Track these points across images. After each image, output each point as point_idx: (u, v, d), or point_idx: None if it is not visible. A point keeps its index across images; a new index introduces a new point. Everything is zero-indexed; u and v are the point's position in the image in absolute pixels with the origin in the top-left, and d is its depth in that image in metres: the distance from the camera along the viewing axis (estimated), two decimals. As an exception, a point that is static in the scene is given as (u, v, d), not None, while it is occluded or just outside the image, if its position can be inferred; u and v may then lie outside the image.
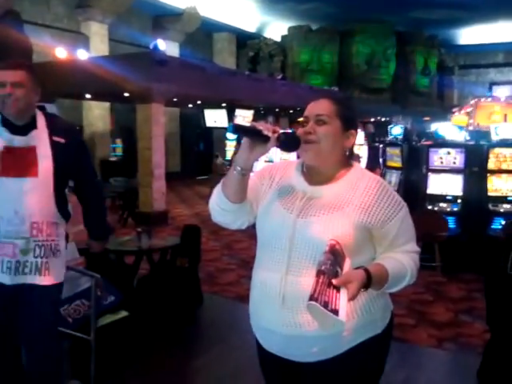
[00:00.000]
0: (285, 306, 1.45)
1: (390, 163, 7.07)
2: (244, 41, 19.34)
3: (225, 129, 13.82)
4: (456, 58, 21.56)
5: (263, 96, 12.71)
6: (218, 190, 1.57)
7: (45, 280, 2.20)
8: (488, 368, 3.06)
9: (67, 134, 2.30)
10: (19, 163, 2.16)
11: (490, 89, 19.21)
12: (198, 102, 13.51)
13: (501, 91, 16.98)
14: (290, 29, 19.26)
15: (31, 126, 2.22)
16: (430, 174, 6.28)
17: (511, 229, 5.62)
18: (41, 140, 2.21)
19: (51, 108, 3.37)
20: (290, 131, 1.50)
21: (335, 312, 1.17)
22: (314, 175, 1.54)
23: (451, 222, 6.00)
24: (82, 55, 10.51)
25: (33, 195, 2.16)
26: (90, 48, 13.23)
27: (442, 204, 6.15)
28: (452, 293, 5.05)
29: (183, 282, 4.30)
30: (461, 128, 6.82)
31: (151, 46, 9.69)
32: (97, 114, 13.66)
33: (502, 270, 4.21)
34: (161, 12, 15.93)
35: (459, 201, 6.09)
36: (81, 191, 2.48)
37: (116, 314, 3.07)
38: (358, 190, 1.49)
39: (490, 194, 6.00)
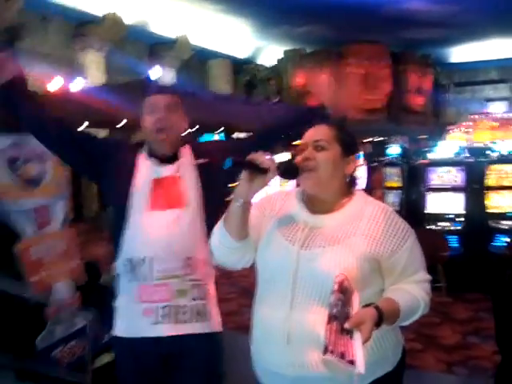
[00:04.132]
0: (290, 346, 1.36)
1: (389, 183, 7.03)
2: (239, 66, 19.49)
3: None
4: (450, 75, 21.70)
5: (259, 119, 12.72)
6: (219, 229, 1.50)
7: (206, 327, 1.94)
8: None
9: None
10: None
11: (486, 105, 19.30)
12: (195, 128, 13.53)
13: (496, 107, 17.06)
14: (285, 52, 19.45)
15: None
16: (430, 192, 6.25)
17: (515, 246, 5.55)
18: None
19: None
20: (288, 159, 1.46)
21: (352, 363, 1.11)
22: (316, 204, 1.48)
23: (453, 241, 5.94)
24: (79, 84, 10.57)
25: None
26: (87, 76, 13.31)
27: (442, 223, 6.09)
28: (458, 314, 4.95)
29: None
30: (461, 149, 6.78)
31: (145, 75, 9.76)
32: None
33: (510, 288, 4.12)
34: (156, 40, 16.10)
35: (461, 219, 6.04)
36: None
37: (112, 354, 2.96)
38: (362, 219, 1.43)
39: (490, 210, 5.96)
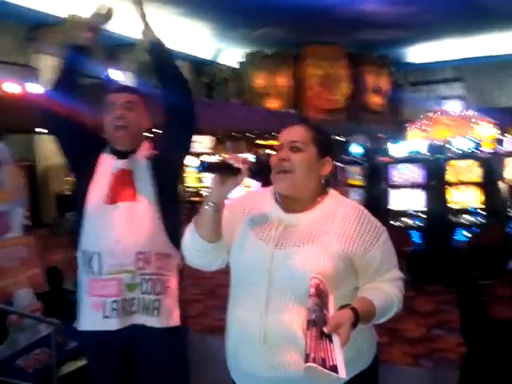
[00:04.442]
0: (267, 347, 1.34)
1: (351, 181, 7.12)
2: (199, 68, 19.42)
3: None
4: (406, 75, 22.22)
5: (221, 121, 12.71)
6: (190, 232, 1.46)
7: (155, 321, 1.91)
8: (467, 382, 3.02)
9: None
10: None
11: (441, 103, 19.82)
12: (155, 131, 13.38)
13: (451, 105, 17.52)
14: (246, 55, 19.49)
15: None
16: (391, 190, 6.36)
17: (476, 240, 5.71)
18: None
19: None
20: (259, 159, 1.43)
21: (334, 368, 1.11)
22: (290, 203, 1.46)
23: (416, 237, 6.06)
24: (32, 88, 10.29)
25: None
26: (41, 81, 12.96)
27: (404, 219, 6.21)
28: (422, 307, 5.04)
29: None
30: (421, 146, 6.93)
31: (103, 76, 9.58)
32: (50, 148, 13.30)
33: (473, 280, 4.23)
34: (114, 42, 15.84)
35: (422, 215, 6.17)
36: None
37: (79, 361, 2.87)
38: (336, 217, 1.42)
39: (450, 206, 6.11)
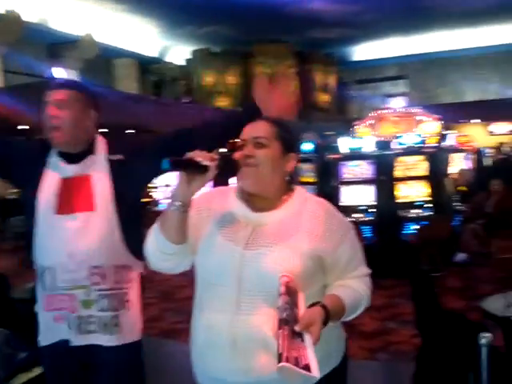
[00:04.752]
0: (236, 351, 1.31)
1: (304, 179, 7.18)
2: (147, 66, 19.09)
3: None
4: (353, 73, 22.67)
5: (170, 120, 12.54)
6: (155, 234, 1.40)
7: (114, 339, 1.80)
8: (423, 373, 3.09)
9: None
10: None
11: (387, 101, 20.33)
12: (102, 130, 13.07)
13: (396, 102, 18.01)
14: (193, 52, 19.31)
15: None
16: (342, 186, 6.45)
17: (423, 233, 5.89)
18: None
19: None
20: (226, 156, 1.39)
21: (307, 367, 1.08)
22: (256, 201, 1.42)
23: (367, 231, 6.18)
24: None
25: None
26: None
27: (356, 214, 6.31)
28: (375, 300, 5.05)
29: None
30: (369, 143, 7.07)
31: (47, 75, 9.26)
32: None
33: (425, 273, 4.34)
34: (56, 40, 15.33)
35: (372, 210, 6.29)
36: None
37: (29, 372, 2.73)
38: (304, 215, 1.40)
39: (399, 200, 6.26)
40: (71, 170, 1.83)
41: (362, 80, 22.96)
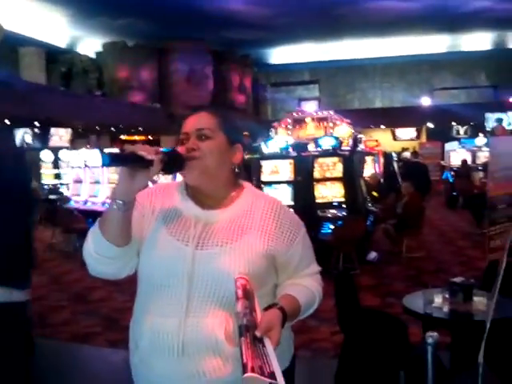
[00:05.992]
0: (185, 355, 1.22)
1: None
2: (55, 56, 18.13)
3: (39, 150, 12.72)
4: (268, 75, 23.04)
5: (81, 114, 11.99)
6: (95, 236, 1.26)
7: None
8: (345, 370, 3.15)
9: None
10: None
11: (300, 104, 20.88)
12: (6, 121, 12.23)
13: (309, 106, 18.56)
14: (104, 45, 18.61)
15: None
16: (262, 186, 6.50)
17: (338, 233, 6.07)
18: None
19: None
20: (172, 149, 1.29)
21: (272, 375, 1.03)
22: (204, 198, 1.34)
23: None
24: None
25: None
26: None
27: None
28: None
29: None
30: (287, 145, 7.19)
31: None
32: None
33: (345, 271, 4.46)
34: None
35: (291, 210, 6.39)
36: None
37: None
38: (255, 213, 1.34)
39: (317, 201, 6.41)
40: None
41: (277, 83, 23.43)
